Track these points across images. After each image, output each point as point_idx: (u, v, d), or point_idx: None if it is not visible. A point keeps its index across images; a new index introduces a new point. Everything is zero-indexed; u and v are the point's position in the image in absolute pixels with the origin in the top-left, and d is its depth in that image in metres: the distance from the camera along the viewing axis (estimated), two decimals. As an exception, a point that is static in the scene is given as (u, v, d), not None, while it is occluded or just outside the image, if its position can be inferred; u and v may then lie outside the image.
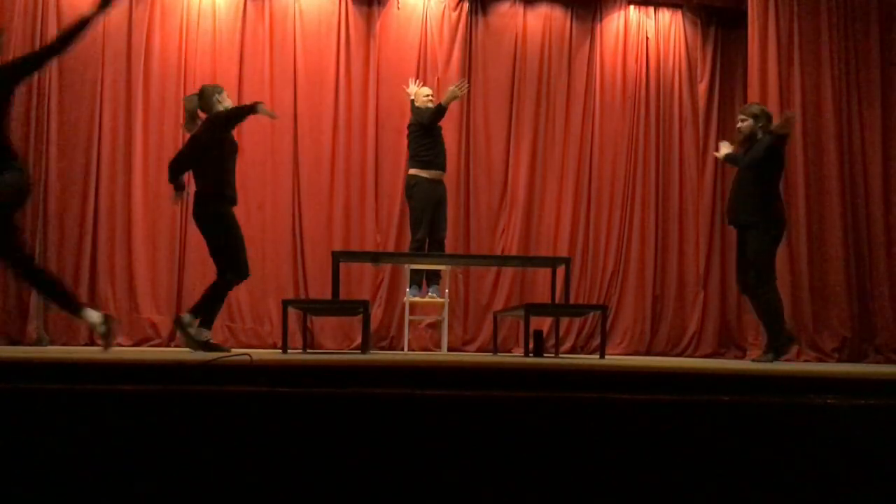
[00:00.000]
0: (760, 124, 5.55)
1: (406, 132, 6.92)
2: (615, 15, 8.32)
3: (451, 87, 6.55)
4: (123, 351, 5.64)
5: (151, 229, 7.38)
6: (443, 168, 6.72)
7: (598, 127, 8.17)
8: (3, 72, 4.34)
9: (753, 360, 5.72)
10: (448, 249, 7.14)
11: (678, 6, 8.41)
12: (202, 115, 5.04)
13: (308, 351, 6.53)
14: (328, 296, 6.04)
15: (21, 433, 2.03)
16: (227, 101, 5.05)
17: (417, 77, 7.80)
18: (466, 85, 6.98)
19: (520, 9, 8.20)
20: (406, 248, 7.19)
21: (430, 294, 6.79)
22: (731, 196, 5.70)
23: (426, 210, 6.63)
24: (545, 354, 5.91)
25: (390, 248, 7.65)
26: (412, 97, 6.90)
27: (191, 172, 5.07)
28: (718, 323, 8.14)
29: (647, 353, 7.90)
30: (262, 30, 7.79)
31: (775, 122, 5.62)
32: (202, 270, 7.32)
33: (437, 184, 6.70)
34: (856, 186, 7.36)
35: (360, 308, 5.51)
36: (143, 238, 7.34)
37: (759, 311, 5.60)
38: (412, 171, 6.71)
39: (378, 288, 7.72)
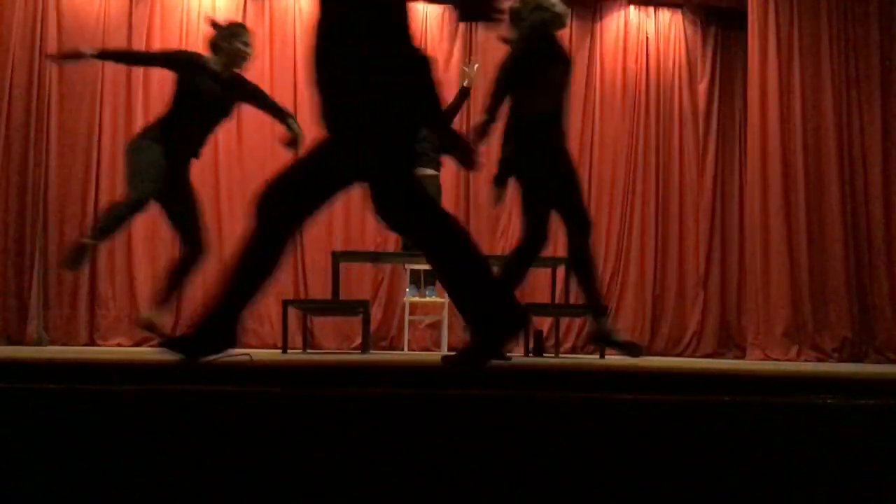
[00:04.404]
0: None
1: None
2: (615, 15, 8.32)
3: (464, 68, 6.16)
4: (123, 351, 5.65)
5: (151, 229, 7.36)
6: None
7: (598, 127, 8.17)
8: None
9: None
10: (448, 249, 7.11)
11: (678, 6, 8.41)
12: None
13: (308, 351, 6.53)
14: (328, 296, 6.04)
15: (21, 433, 2.03)
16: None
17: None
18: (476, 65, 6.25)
19: (520, 9, 8.19)
20: (406, 248, 7.20)
21: (427, 294, 6.79)
22: None
23: None
24: (545, 354, 5.91)
25: (390, 249, 7.65)
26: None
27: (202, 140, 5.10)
28: (718, 323, 8.13)
29: (648, 353, 7.89)
30: (262, 30, 7.78)
31: None
32: (202, 269, 7.33)
33: None
34: (856, 186, 7.36)
35: (360, 308, 5.51)
36: (143, 238, 7.33)
37: None
38: None
39: (378, 288, 7.71)
